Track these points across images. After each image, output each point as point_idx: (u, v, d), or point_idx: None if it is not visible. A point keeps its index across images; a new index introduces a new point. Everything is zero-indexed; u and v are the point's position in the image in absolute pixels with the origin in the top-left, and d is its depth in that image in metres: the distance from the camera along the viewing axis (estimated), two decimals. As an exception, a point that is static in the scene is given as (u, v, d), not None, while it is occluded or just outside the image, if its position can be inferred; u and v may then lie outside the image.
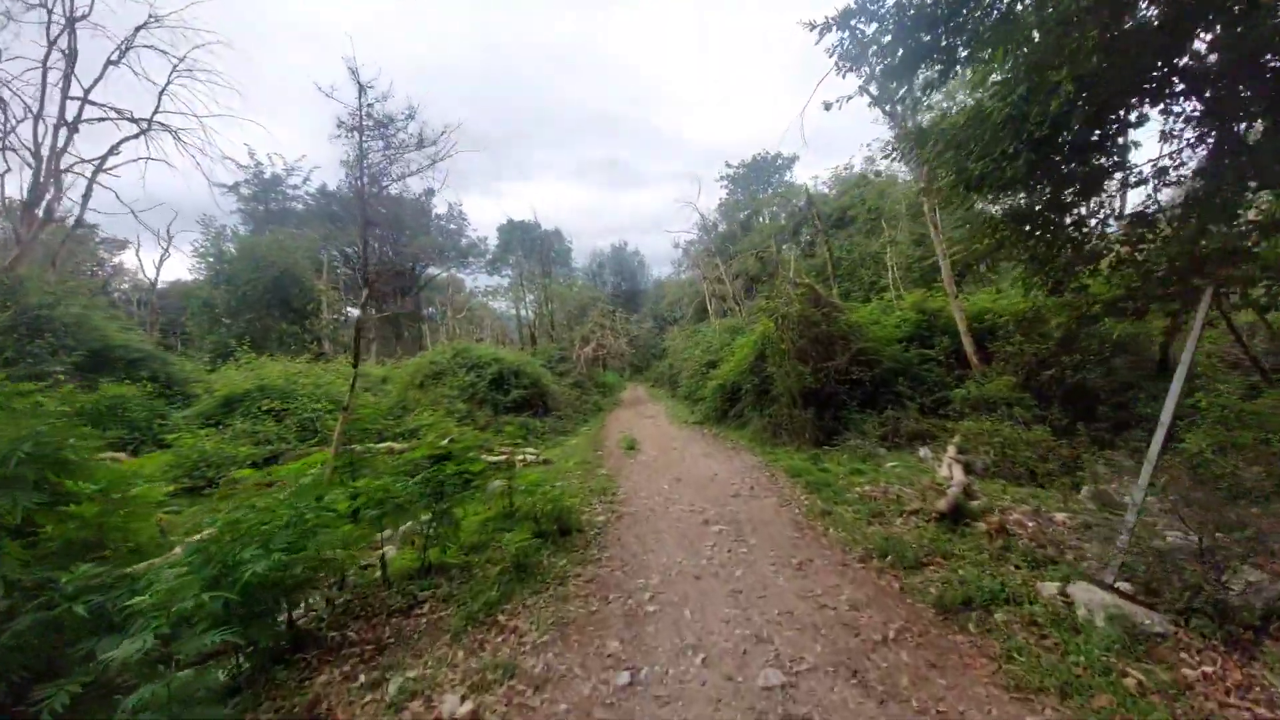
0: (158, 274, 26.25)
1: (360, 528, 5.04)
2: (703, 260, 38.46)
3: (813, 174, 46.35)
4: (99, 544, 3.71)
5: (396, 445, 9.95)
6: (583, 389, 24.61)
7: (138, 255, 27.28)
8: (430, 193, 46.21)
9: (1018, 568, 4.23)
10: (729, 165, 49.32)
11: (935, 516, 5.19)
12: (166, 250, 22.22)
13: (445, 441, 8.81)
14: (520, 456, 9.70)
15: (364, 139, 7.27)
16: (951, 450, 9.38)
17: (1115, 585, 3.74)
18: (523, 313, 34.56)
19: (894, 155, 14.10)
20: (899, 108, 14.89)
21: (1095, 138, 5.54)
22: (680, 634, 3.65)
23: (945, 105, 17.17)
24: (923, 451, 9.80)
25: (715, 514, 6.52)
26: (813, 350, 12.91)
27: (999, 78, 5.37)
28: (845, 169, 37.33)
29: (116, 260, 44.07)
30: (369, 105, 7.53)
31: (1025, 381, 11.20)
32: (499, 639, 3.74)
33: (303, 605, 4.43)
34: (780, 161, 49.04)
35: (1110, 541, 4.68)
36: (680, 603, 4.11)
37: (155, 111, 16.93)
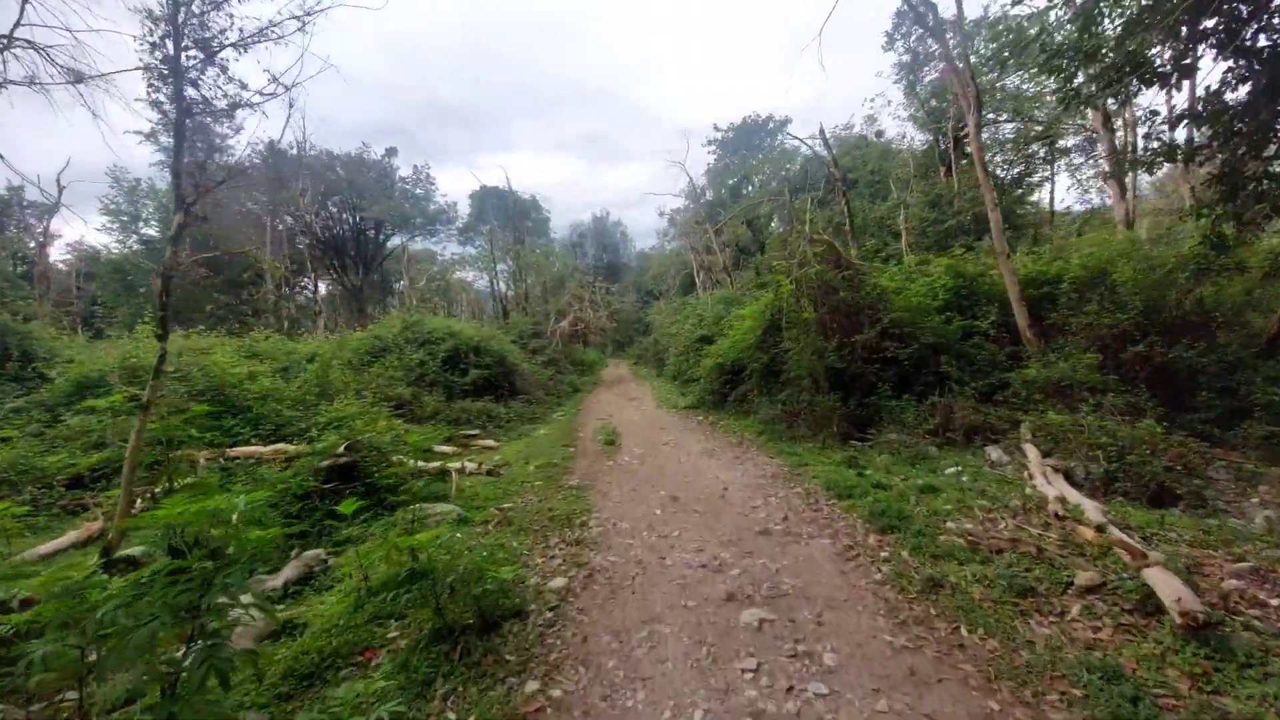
0: (45, 233, 22.50)
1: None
2: (691, 228, 35.69)
3: (811, 132, 43.06)
4: None
5: (291, 447, 7.29)
6: (558, 367, 21.96)
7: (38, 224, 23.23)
8: (393, 152, 42.48)
9: None
10: (717, 129, 46.08)
11: (1184, 626, 2.74)
12: (56, 204, 18.74)
13: (343, 449, 6.20)
14: (458, 465, 7.10)
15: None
16: (1033, 452, 7.08)
17: None
18: (498, 285, 31.54)
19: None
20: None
21: None
22: None
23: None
24: (993, 453, 7.45)
25: (742, 574, 4.04)
26: (834, 322, 10.47)
27: None
28: (844, 129, 34.67)
29: (49, 226, 39.76)
30: (192, -74, 4.67)
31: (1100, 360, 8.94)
32: None
33: None
34: (771, 125, 45.99)
35: None
36: None
37: (17, 24, 13.43)
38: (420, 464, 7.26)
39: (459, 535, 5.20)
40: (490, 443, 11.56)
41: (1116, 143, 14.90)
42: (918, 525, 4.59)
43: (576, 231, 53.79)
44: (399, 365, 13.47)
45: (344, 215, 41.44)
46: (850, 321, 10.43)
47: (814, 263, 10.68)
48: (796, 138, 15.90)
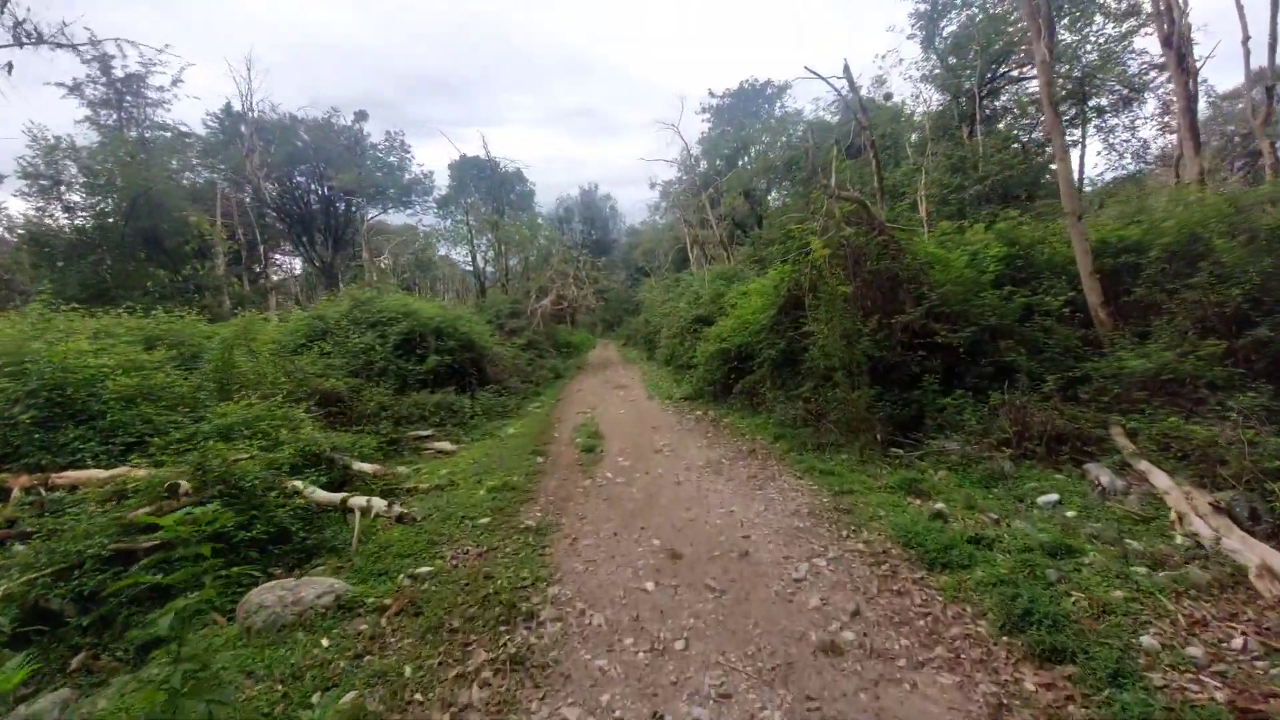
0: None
1: None
2: (685, 200, 33.39)
3: (816, 95, 39.78)
4: None
5: (137, 473, 5.18)
6: (539, 350, 19.84)
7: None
8: (363, 116, 39.37)
9: None
10: (712, 94, 43.33)
11: None
12: (-56, 160, 16.10)
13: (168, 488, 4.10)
14: (363, 501, 5.03)
15: None
16: (1163, 479, 5.21)
17: None
18: (477, 262, 29.10)
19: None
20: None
21: None
22: None
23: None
24: (1101, 475, 5.51)
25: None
26: (868, 299, 8.45)
27: None
28: (850, 93, 32.16)
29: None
30: None
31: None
32: None
33: None
34: (770, 91, 43.32)
35: None
36: None
37: None
38: (319, 494, 5.19)
39: (324, 645, 3.19)
40: (446, 445, 9.54)
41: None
42: (1104, 655, 2.61)
43: (563, 205, 50.92)
44: (343, 351, 11.33)
45: (311, 185, 38.57)
46: (887, 298, 8.42)
47: (842, 224, 8.60)
48: (816, 74, 13.56)
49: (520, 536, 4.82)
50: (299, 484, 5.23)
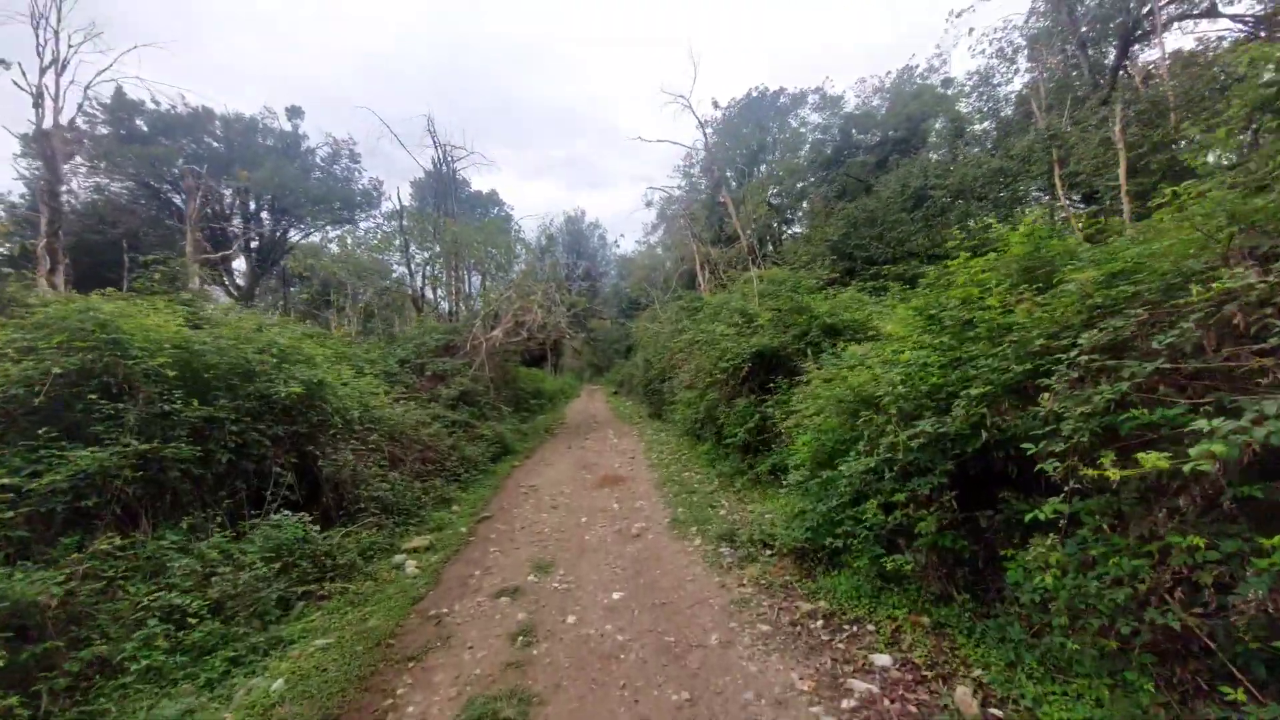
0: None
1: None
2: (695, 211, 26.92)
3: (859, 77, 32.47)
4: None
5: None
6: (479, 407, 12.27)
7: None
8: (297, 113, 32.82)
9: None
10: (716, 106, 37.40)
11: None
12: None
13: None
14: None
15: None
16: None
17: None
18: (415, 283, 21.77)
19: None
20: None
21: None
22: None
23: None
24: None
25: None
26: None
27: None
28: (903, 76, 26.15)
29: None
30: None
31: None
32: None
33: None
34: (783, 101, 37.64)
35: None
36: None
37: None
38: None
39: None
40: None
41: None
42: None
43: (544, 232, 43.97)
44: None
45: (235, 196, 31.55)
46: None
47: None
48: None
49: None
50: None
